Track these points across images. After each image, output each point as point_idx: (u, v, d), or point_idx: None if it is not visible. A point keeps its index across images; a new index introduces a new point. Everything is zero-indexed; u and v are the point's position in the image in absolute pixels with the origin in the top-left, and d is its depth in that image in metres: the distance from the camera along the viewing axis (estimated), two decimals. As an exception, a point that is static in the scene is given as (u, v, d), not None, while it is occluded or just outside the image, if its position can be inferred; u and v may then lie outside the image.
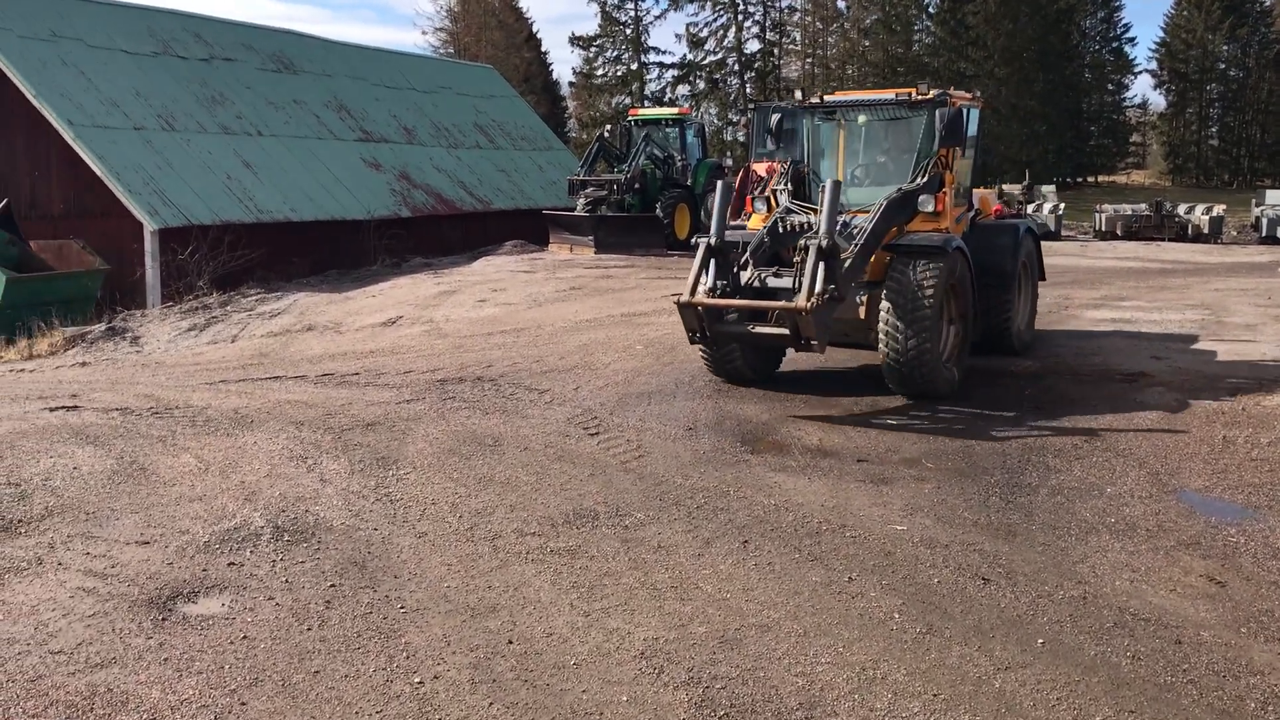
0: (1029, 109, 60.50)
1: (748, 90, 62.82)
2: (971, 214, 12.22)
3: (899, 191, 10.66)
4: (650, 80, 63.42)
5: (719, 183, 10.92)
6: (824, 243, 9.45)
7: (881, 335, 10.20)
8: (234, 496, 7.64)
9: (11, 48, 20.47)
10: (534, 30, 67.35)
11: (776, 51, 66.00)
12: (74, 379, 13.21)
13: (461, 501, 7.60)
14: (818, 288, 9.30)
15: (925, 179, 10.94)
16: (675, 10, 66.40)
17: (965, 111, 11.14)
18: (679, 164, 25.86)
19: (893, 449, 8.97)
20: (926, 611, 5.80)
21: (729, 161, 29.98)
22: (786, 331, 9.52)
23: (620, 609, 5.80)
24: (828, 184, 9.79)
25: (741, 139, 50.81)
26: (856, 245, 9.85)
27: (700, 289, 9.92)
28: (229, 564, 6.39)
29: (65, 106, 20.24)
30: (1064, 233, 31.83)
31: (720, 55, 64.03)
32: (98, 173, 19.70)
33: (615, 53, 63.73)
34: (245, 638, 5.41)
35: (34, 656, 5.14)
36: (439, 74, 34.25)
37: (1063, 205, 33.69)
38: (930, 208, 10.81)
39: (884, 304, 10.20)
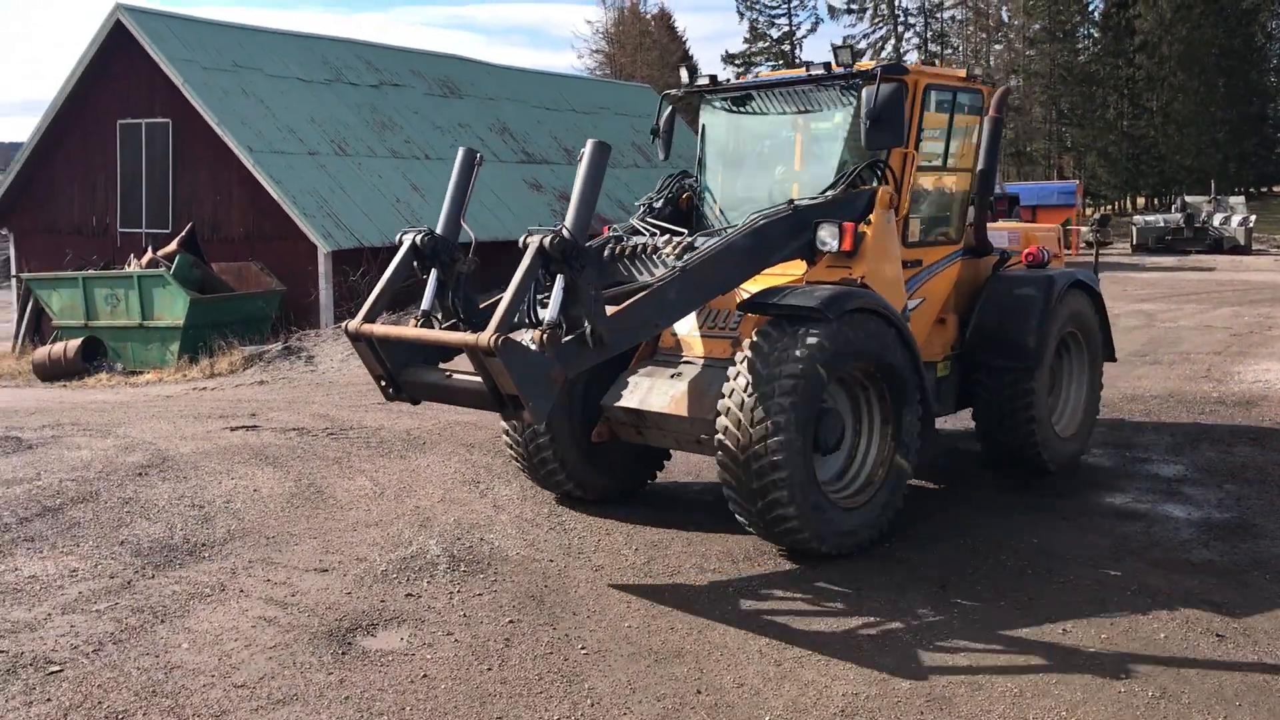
0: (1209, 116, 57.41)
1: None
2: (989, 258, 8.73)
3: (790, 207, 7.11)
4: (806, 95, 62.68)
5: (460, 150, 6.85)
6: (549, 242, 5.96)
7: (717, 437, 6.57)
8: (409, 522, 7.56)
9: (197, 79, 21.40)
10: (688, 50, 67.55)
11: (938, 63, 64.48)
12: (252, 398, 13.57)
13: (636, 533, 7.33)
14: (548, 316, 5.92)
15: (841, 193, 7.31)
16: (831, 20, 65.62)
17: (913, 92, 7.44)
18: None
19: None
20: (1157, 672, 5.22)
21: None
22: (480, 383, 5.91)
23: (814, 659, 5.41)
24: (588, 147, 6.19)
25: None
26: (672, 273, 6.44)
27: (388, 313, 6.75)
28: (406, 595, 6.26)
29: (245, 134, 21.01)
30: (1255, 246, 29.91)
31: (878, 69, 62.86)
32: (274, 197, 20.36)
33: (767, 68, 63.40)
34: (425, 676, 5.23)
35: (218, 690, 5.07)
36: (597, 94, 34.48)
37: (1253, 217, 31.67)
38: (833, 244, 7.03)
39: (726, 385, 6.61)
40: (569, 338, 5.99)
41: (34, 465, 9.22)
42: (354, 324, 6.40)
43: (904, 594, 6.22)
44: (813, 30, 77.14)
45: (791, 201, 7.23)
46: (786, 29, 63.85)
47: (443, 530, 7.35)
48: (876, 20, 62.22)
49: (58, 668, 5.29)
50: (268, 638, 5.65)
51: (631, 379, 7.50)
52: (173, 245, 19.66)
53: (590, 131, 31.03)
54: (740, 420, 6.40)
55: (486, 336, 5.61)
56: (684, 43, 67.61)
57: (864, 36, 62.44)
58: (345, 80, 24.91)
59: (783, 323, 6.62)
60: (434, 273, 6.58)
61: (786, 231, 7.06)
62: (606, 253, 6.74)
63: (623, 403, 7.39)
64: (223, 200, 21.58)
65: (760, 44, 63.72)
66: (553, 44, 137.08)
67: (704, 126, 8.58)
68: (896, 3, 62.98)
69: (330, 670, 5.28)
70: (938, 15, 64.03)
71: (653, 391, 7.31)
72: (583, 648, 5.54)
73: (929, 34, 63.99)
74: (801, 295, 6.67)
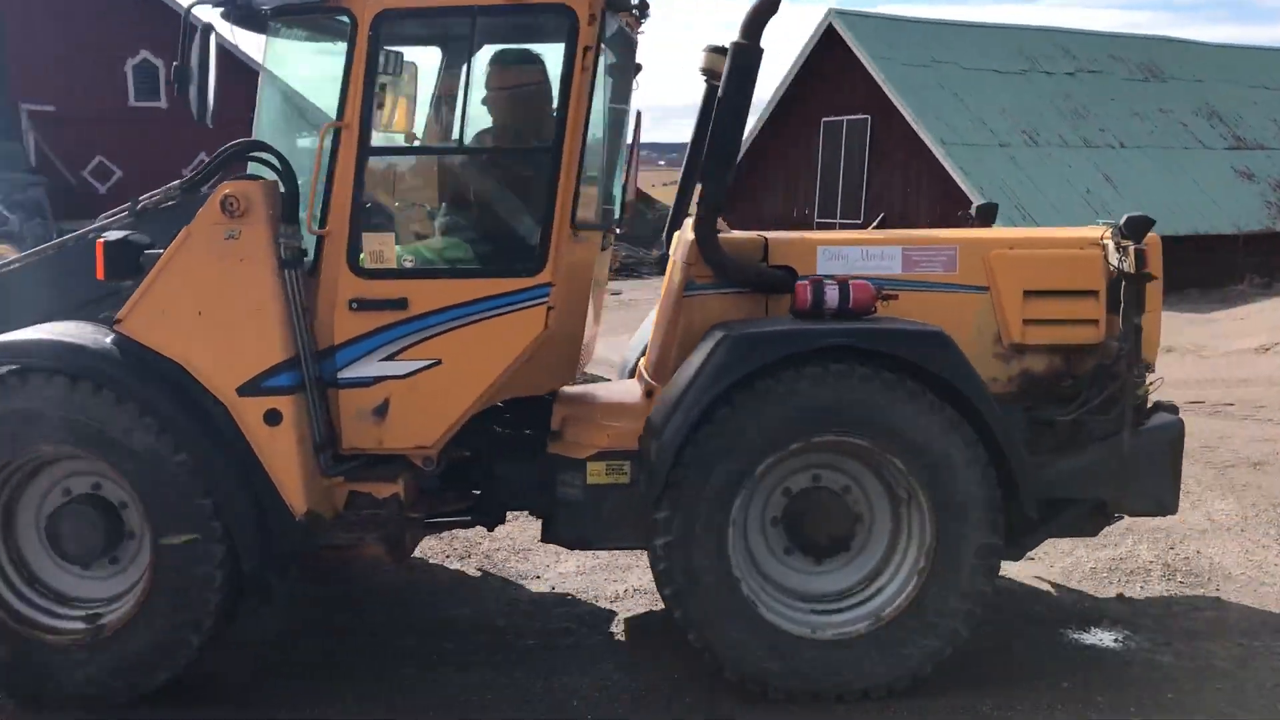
0: None
1: None
2: (764, 297, 5.13)
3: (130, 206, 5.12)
4: None
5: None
6: None
7: None
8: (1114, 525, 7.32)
9: (897, 75, 22.37)
10: None
11: None
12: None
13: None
14: None
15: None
16: None
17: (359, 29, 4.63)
18: None
19: None
20: None
21: None
22: None
23: None
24: None
25: None
26: None
27: None
28: (1117, 596, 6.10)
29: (938, 127, 21.58)
30: None
31: None
32: (963, 189, 20.67)
33: None
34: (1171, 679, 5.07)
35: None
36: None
37: None
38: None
39: None
40: None
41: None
42: None
43: None
44: None
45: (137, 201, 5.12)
46: None
47: (1152, 537, 7.01)
48: None
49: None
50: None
51: None
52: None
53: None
54: None
55: None
56: None
57: None
58: (1040, 69, 24.44)
59: None
60: None
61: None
62: None
63: None
64: (912, 192, 22.38)
65: None
66: (1257, 16, 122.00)
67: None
68: None
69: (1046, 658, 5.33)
70: None
71: None
72: (1331, 687, 5.00)
73: None
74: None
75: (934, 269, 5.09)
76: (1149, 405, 5.13)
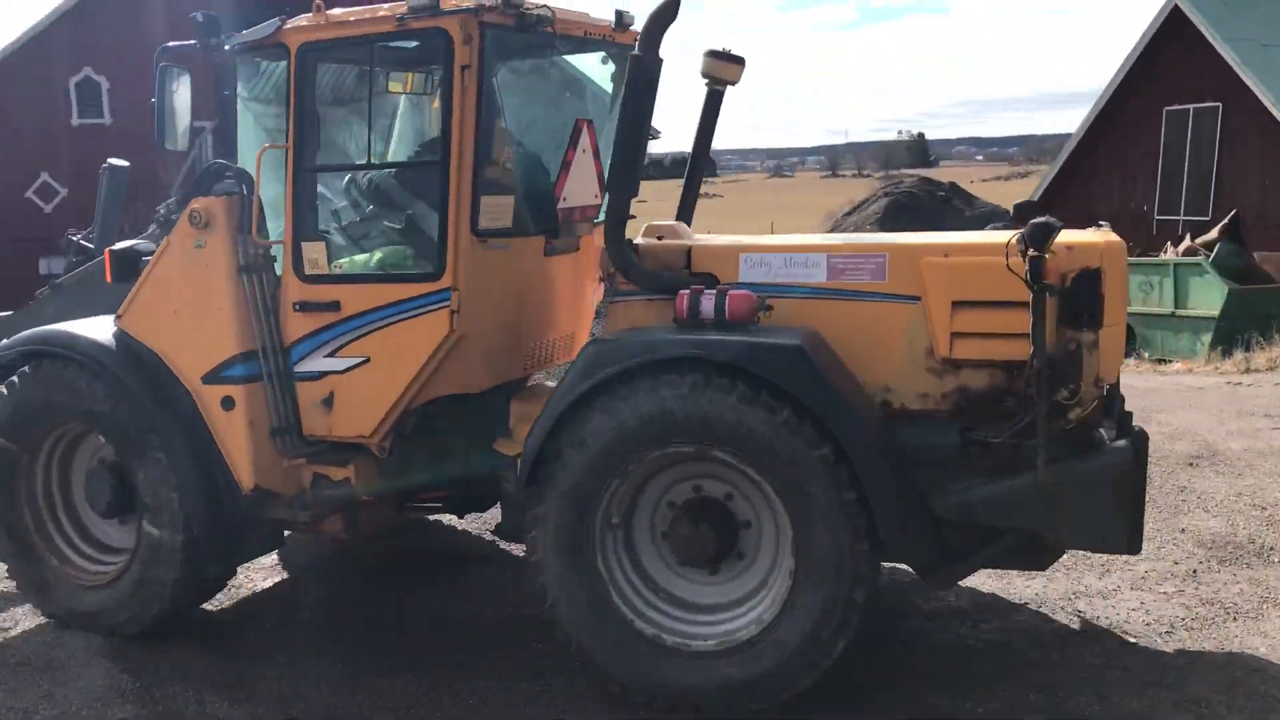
0: None
1: None
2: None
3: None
4: None
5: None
6: None
7: None
8: None
9: (1251, 56, 20.29)
10: None
11: None
12: (1294, 398, 12.49)
13: None
14: None
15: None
16: None
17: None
18: None
19: None
20: None
21: None
22: None
23: None
24: None
25: None
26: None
27: None
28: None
29: (1302, 113, 19.40)
30: None
31: None
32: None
33: None
34: None
35: None
36: None
37: None
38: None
39: None
40: None
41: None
42: None
43: None
44: None
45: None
46: None
47: None
48: None
49: (1133, 639, 5.49)
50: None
51: None
52: (1213, 233, 18.97)
53: None
54: None
55: None
56: None
57: None
58: None
59: None
60: None
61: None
62: None
63: None
64: (1271, 185, 20.24)
65: None
66: None
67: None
68: None
69: None
70: None
71: None
72: None
73: None
74: None
75: (861, 277, 4.84)
76: (1106, 430, 4.70)
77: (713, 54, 5.66)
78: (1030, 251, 4.27)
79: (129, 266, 5.74)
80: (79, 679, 5.40)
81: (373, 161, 5.60)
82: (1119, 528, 4.52)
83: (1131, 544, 4.63)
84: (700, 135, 5.93)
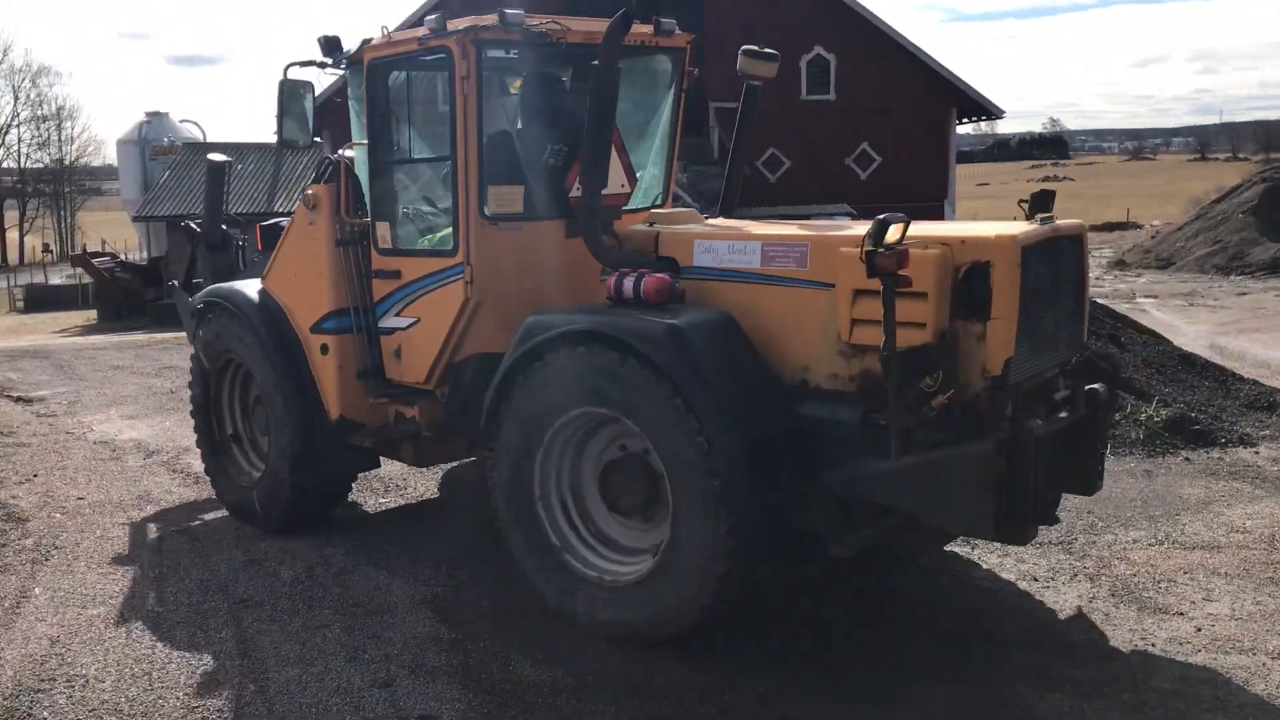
0: None
1: None
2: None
3: None
4: None
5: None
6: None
7: None
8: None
9: None
10: None
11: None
12: None
13: None
14: None
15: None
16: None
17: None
18: None
19: None
20: None
21: None
22: None
23: None
24: None
25: None
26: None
27: None
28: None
29: None
30: None
31: None
32: None
33: None
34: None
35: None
36: None
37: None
38: None
39: None
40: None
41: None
42: None
43: None
44: None
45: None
46: None
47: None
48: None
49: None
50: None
51: None
52: None
53: None
54: None
55: None
56: None
57: None
58: None
59: None
60: None
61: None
62: None
63: None
64: None
65: None
66: None
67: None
68: None
69: None
70: None
71: None
72: None
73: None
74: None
75: (788, 264, 5.23)
76: (994, 416, 4.81)
77: (748, 53, 6.39)
78: (866, 245, 4.46)
79: (274, 238, 7.16)
80: (403, 624, 5.86)
81: (433, 156, 6.51)
82: (985, 514, 4.61)
83: (1000, 531, 4.69)
84: (740, 128, 6.76)
